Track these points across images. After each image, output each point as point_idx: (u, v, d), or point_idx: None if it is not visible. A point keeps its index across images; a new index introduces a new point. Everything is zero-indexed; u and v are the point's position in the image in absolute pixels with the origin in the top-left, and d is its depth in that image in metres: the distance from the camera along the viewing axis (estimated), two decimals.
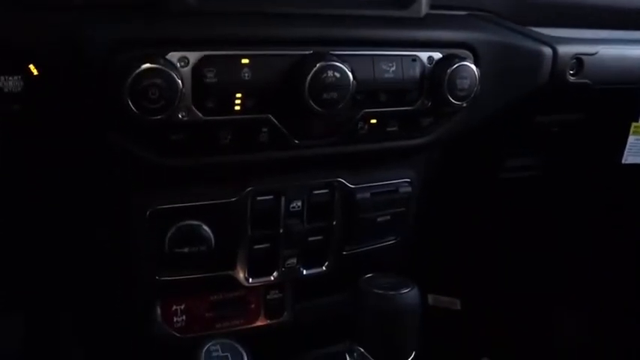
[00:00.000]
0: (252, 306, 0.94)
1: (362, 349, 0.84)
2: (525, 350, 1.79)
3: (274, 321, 0.96)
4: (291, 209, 0.88)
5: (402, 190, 0.96)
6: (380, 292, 0.82)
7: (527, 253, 1.79)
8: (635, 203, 1.53)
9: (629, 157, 1.43)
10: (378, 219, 0.94)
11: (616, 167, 1.40)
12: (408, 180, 0.97)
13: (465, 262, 1.87)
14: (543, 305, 1.86)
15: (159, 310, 0.91)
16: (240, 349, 0.81)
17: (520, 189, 1.52)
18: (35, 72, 0.67)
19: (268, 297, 0.95)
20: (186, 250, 0.83)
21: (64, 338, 1.12)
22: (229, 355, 0.80)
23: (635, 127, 1.40)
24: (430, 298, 1.95)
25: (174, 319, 0.91)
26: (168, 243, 0.83)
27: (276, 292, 0.95)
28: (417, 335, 0.86)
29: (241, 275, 0.90)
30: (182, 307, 0.91)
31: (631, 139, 1.41)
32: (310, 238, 0.91)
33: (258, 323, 0.96)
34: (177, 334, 0.91)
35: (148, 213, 0.82)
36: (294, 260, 0.91)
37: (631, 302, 1.67)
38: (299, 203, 0.88)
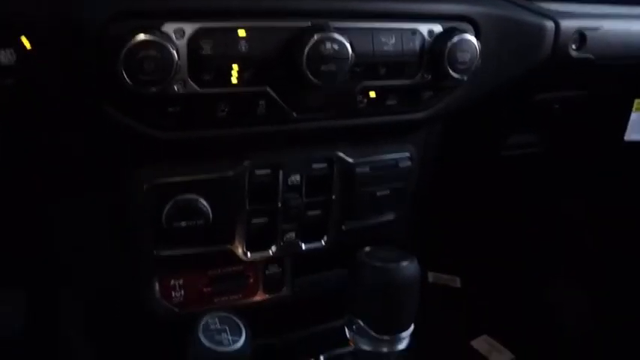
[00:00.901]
0: (251, 281, 0.94)
1: (361, 322, 0.84)
2: (524, 327, 1.79)
3: (273, 295, 0.96)
4: (290, 183, 0.87)
5: (401, 164, 0.95)
6: (379, 264, 0.82)
7: (527, 230, 1.79)
8: (636, 181, 1.52)
9: (631, 135, 1.42)
10: (378, 193, 0.94)
11: (618, 144, 1.39)
12: (408, 155, 0.96)
13: (465, 240, 1.87)
14: (543, 282, 1.86)
15: (157, 286, 0.91)
16: (238, 321, 0.81)
17: (521, 166, 1.51)
18: (28, 45, 0.67)
19: (267, 272, 0.95)
20: (183, 224, 0.83)
21: (65, 314, 1.12)
22: (227, 328, 0.80)
23: (638, 103, 1.39)
24: (430, 275, 1.95)
25: (173, 294, 0.91)
26: (165, 217, 0.82)
27: (275, 266, 0.95)
28: (415, 308, 0.86)
29: (240, 250, 0.89)
30: (180, 282, 0.91)
31: (633, 115, 1.40)
32: (309, 213, 0.90)
33: (257, 298, 0.95)
34: (176, 309, 0.91)
35: (145, 187, 0.81)
36: (293, 235, 0.91)
37: (630, 278, 1.67)
38: (297, 177, 0.88)
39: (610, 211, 1.67)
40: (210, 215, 0.83)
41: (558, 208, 1.76)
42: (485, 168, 1.49)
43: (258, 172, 0.85)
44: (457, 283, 1.95)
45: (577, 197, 1.69)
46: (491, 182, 1.60)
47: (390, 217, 0.98)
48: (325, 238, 0.94)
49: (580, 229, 1.75)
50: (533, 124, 1.37)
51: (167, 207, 0.82)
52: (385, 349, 0.86)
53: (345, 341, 0.99)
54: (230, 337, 0.79)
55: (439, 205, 1.52)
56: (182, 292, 0.91)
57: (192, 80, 0.72)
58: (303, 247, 0.93)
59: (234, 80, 0.74)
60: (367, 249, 0.86)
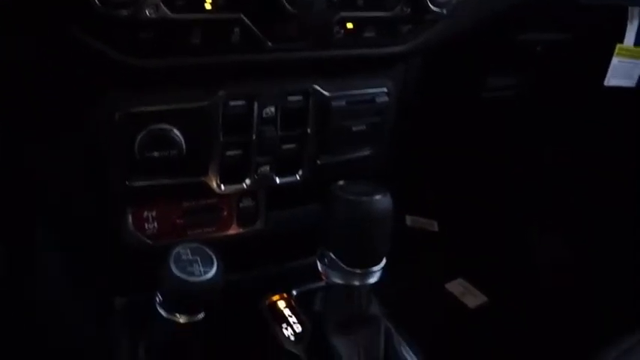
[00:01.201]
0: (225, 213, 0.93)
1: (332, 255, 0.84)
2: (500, 272, 1.82)
3: (247, 229, 0.96)
4: (264, 115, 0.86)
5: (378, 100, 0.94)
6: (352, 197, 0.82)
7: (505, 175, 1.80)
8: (614, 127, 1.53)
9: (611, 80, 1.42)
10: (353, 128, 0.93)
11: (598, 90, 1.39)
12: (386, 90, 0.95)
13: (444, 184, 1.88)
14: (520, 228, 1.88)
15: (130, 217, 0.90)
16: (210, 253, 0.81)
17: (502, 110, 1.51)
18: None
19: (241, 205, 0.94)
20: (156, 154, 0.82)
21: (40, 246, 1.12)
22: (199, 259, 0.80)
23: (620, 48, 1.38)
24: (408, 219, 1.97)
25: (146, 226, 0.90)
26: (138, 147, 0.81)
27: (249, 200, 0.95)
28: (388, 242, 0.86)
29: (213, 182, 0.88)
30: (153, 213, 0.90)
31: (614, 60, 1.39)
32: (284, 146, 0.90)
33: (231, 231, 0.95)
34: (149, 241, 0.91)
35: (117, 116, 0.80)
36: (267, 168, 0.90)
37: (607, 226, 1.69)
38: (272, 109, 0.86)
39: (589, 158, 1.68)
40: (184, 146, 0.82)
41: (538, 154, 1.77)
42: (465, 109, 1.48)
43: (233, 103, 0.84)
44: (435, 227, 1.97)
45: (557, 144, 1.70)
46: (471, 125, 1.60)
47: (366, 152, 0.98)
48: (300, 172, 0.93)
49: (556, 174, 1.76)
50: (514, 66, 1.36)
51: (140, 137, 0.81)
52: (357, 283, 0.86)
53: (317, 277, 0.99)
54: (202, 268, 0.79)
55: (418, 146, 1.52)
56: (155, 223, 0.91)
57: (164, 4, 0.70)
58: (278, 180, 0.92)
59: (207, 6, 0.73)
60: (341, 182, 0.86)
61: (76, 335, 1.09)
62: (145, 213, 0.90)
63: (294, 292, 0.99)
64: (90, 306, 1.06)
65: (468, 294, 1.80)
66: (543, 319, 1.64)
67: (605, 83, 1.38)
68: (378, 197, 0.82)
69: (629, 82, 1.42)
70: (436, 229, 1.97)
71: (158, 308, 0.83)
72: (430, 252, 1.90)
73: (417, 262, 1.82)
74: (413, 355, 0.93)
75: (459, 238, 1.92)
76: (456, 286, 1.82)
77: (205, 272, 0.79)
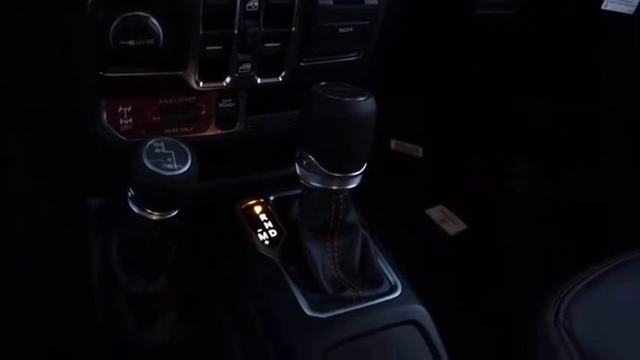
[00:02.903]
0: (203, 113, 0.90)
1: (311, 157, 0.82)
2: (481, 201, 1.82)
3: (225, 131, 0.93)
4: (248, 9, 0.82)
5: (368, 1, 0.90)
6: (334, 97, 0.79)
7: (490, 100, 1.78)
8: (609, 51, 1.50)
9: (609, 4, 1.38)
10: (340, 30, 0.89)
11: (595, 13, 1.35)
12: None
13: (428, 109, 1.85)
14: (500, 157, 1.87)
15: (104, 111, 0.86)
16: (185, 147, 0.78)
17: (494, 31, 1.47)
18: None
19: (220, 105, 0.91)
20: (131, 43, 0.78)
21: (11, 146, 1.09)
22: (173, 153, 0.77)
23: None
24: (393, 143, 1.95)
25: (121, 122, 0.87)
26: (112, 35, 0.77)
27: (229, 100, 0.91)
28: (369, 148, 0.84)
29: (192, 78, 0.85)
30: (129, 109, 0.87)
31: None
32: (266, 44, 0.86)
33: (209, 132, 0.92)
34: (123, 138, 0.87)
35: (89, 1, 0.75)
36: (249, 67, 0.87)
37: (583, 157, 1.68)
38: (256, 3, 0.82)
39: (576, 84, 1.65)
40: (161, 36, 0.78)
41: (528, 83, 1.74)
42: (457, 26, 1.44)
43: None
44: (419, 152, 1.95)
45: (543, 66, 1.67)
46: (462, 45, 1.57)
47: (351, 57, 0.94)
48: (282, 73, 0.90)
49: (546, 107, 1.74)
50: None
51: (114, 23, 0.76)
52: (335, 187, 0.84)
53: (295, 185, 0.97)
54: (175, 163, 0.77)
55: (405, 62, 1.48)
56: (130, 119, 0.87)
57: None
58: (259, 80, 0.89)
59: None
60: (323, 83, 0.83)
61: (49, 237, 1.07)
62: (120, 108, 0.86)
63: (271, 198, 0.97)
64: (63, 208, 1.04)
65: (448, 221, 1.79)
66: (520, 249, 1.64)
67: (603, 7, 1.35)
68: (361, 99, 0.80)
69: (626, 9, 1.38)
70: (421, 154, 1.95)
71: (130, 204, 0.81)
72: (412, 177, 1.89)
73: (399, 185, 1.81)
74: (389, 266, 0.92)
75: (443, 165, 1.91)
76: (436, 213, 1.82)
77: (179, 167, 0.76)
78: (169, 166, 0.76)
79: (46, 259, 1.05)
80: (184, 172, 0.76)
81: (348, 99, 0.79)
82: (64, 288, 1.01)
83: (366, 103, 0.80)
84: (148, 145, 0.77)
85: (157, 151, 0.77)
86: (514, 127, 1.81)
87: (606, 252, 1.11)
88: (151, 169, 0.75)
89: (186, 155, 0.77)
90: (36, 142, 1.04)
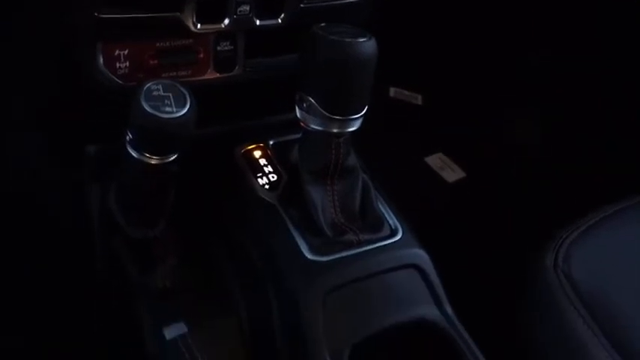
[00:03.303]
0: (201, 56, 0.88)
1: (312, 99, 0.81)
2: (479, 148, 1.81)
3: (224, 75, 0.91)
4: None
5: None
6: (335, 38, 0.77)
7: (489, 51, 1.76)
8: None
9: None
10: None
11: None
12: None
13: (429, 58, 1.83)
14: (498, 104, 1.86)
15: (100, 55, 0.85)
16: (183, 90, 0.77)
17: None
18: None
19: (219, 48, 0.89)
20: None
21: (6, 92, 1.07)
22: (171, 95, 0.76)
23: None
24: (392, 90, 1.93)
25: (117, 65, 0.85)
26: None
27: (227, 43, 0.89)
28: (369, 90, 0.82)
29: (189, 19, 0.83)
30: (125, 52, 0.85)
31: None
32: None
33: (207, 76, 0.90)
34: (120, 81, 0.86)
35: None
36: (247, 8, 0.85)
37: (578, 101, 1.67)
38: None
39: (567, 32, 1.63)
40: None
41: (520, 29, 1.72)
42: None
43: None
44: (419, 100, 1.94)
45: (538, 18, 1.65)
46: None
47: None
48: (282, 15, 0.88)
49: (538, 52, 1.72)
50: None
51: None
52: (335, 130, 0.83)
53: (295, 130, 0.96)
54: (174, 106, 0.76)
55: (407, 7, 1.46)
56: (127, 63, 0.85)
57: None
58: (258, 22, 0.87)
59: None
60: (323, 24, 0.82)
61: (46, 184, 1.06)
62: (117, 51, 0.84)
63: (271, 142, 0.96)
64: (61, 154, 1.03)
65: (446, 168, 1.79)
66: (519, 197, 1.64)
67: None
68: (362, 40, 0.78)
69: None
70: (420, 102, 1.93)
71: (128, 148, 0.80)
72: (411, 125, 1.88)
73: (398, 133, 1.80)
74: (389, 210, 0.91)
75: (442, 113, 1.90)
76: (435, 160, 1.81)
77: (177, 110, 0.75)
78: (168, 109, 0.75)
79: (46, 206, 1.04)
80: (183, 114, 0.75)
81: (349, 40, 0.78)
82: (64, 236, 1.01)
83: (367, 44, 0.78)
84: (145, 88, 0.75)
85: (154, 93, 0.75)
86: (514, 76, 1.79)
87: (605, 199, 1.11)
88: (149, 112, 0.74)
89: (185, 98, 0.76)
90: (33, 90, 1.03)
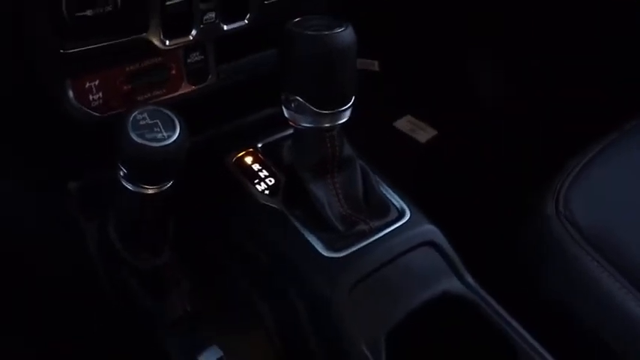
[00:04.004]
0: (173, 72, 0.85)
1: (299, 98, 0.79)
2: (444, 104, 1.81)
3: (199, 86, 0.88)
4: None
5: None
6: (313, 33, 0.76)
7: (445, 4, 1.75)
8: None
9: None
10: None
11: None
12: None
13: (380, 20, 1.81)
14: (460, 59, 1.86)
15: (71, 91, 0.81)
16: (170, 113, 0.74)
17: None
18: None
19: (189, 60, 0.86)
20: (89, 13, 0.73)
21: None
22: (159, 122, 0.73)
23: None
24: None
25: (90, 98, 0.82)
26: (66, 6, 0.71)
27: (197, 54, 0.87)
28: (354, 79, 0.81)
29: (157, 38, 0.80)
30: (96, 83, 0.82)
31: None
32: None
33: (182, 91, 0.87)
34: (96, 114, 0.82)
35: None
36: (213, 15, 0.82)
37: (541, 51, 1.68)
38: None
39: None
40: None
41: None
42: None
43: None
44: (375, 66, 1.92)
45: None
46: None
47: None
48: (248, 15, 0.86)
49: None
50: None
51: None
52: (327, 125, 0.82)
53: (279, 127, 0.95)
54: (164, 132, 0.73)
55: None
56: (100, 93, 0.82)
57: None
58: (225, 27, 0.85)
59: None
60: (295, 20, 0.80)
61: (32, 230, 1.02)
62: (87, 84, 0.81)
63: (259, 145, 0.94)
64: (44, 195, 0.99)
65: (417, 129, 1.79)
66: (494, 144, 1.65)
67: None
68: (340, 30, 0.77)
69: None
70: (377, 68, 1.92)
71: (123, 182, 0.77)
72: (373, 92, 1.86)
73: (362, 103, 1.79)
74: (391, 191, 0.91)
75: (402, 75, 1.89)
76: (404, 124, 1.81)
77: (169, 135, 0.73)
78: (159, 136, 0.72)
79: (38, 257, 1.00)
80: (176, 138, 0.72)
81: (327, 32, 0.76)
82: (63, 285, 0.97)
83: (346, 34, 0.77)
84: (131, 119, 0.72)
85: (142, 123, 0.73)
86: (468, 28, 1.78)
87: (588, 139, 1.12)
88: (141, 144, 0.71)
89: (173, 121, 0.74)
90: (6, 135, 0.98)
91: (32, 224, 1.00)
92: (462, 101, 1.78)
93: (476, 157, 1.62)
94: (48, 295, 0.96)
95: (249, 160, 0.92)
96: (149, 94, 0.86)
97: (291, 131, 0.94)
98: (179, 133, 0.73)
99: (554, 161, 1.08)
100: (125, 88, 0.84)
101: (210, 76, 0.90)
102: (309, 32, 0.76)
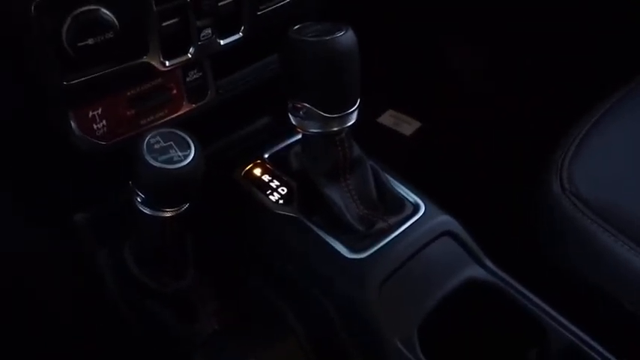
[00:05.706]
0: (174, 92, 0.85)
1: (308, 105, 0.79)
2: (426, 95, 1.82)
3: (199, 104, 0.88)
4: None
5: None
6: (315, 39, 0.76)
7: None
8: None
9: None
10: None
11: None
12: None
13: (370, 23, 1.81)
14: (437, 39, 1.86)
15: (74, 122, 0.80)
16: (182, 134, 0.74)
17: None
18: None
19: (188, 79, 0.86)
20: (90, 42, 0.72)
21: None
22: (173, 143, 0.73)
23: None
24: None
25: (94, 127, 0.81)
26: (66, 38, 0.71)
27: (195, 71, 0.87)
28: (359, 80, 0.82)
29: (156, 59, 0.80)
30: (99, 111, 0.81)
31: None
32: (220, 3, 0.81)
33: (184, 110, 0.87)
34: (102, 142, 0.82)
35: (32, 7, 0.68)
36: (209, 31, 0.82)
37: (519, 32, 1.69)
38: None
39: None
40: (117, 25, 0.72)
41: None
42: None
43: None
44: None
45: None
46: None
47: None
48: (242, 27, 0.86)
49: None
50: None
51: (65, 25, 0.70)
52: (335, 128, 0.82)
53: (281, 135, 0.95)
54: (179, 153, 0.73)
55: None
56: (104, 122, 0.82)
57: None
58: (222, 42, 0.84)
59: None
60: (295, 28, 0.80)
61: (45, 268, 1.01)
62: (90, 113, 0.81)
63: (266, 156, 0.94)
64: (51, 229, 0.97)
65: (401, 122, 1.80)
66: (479, 126, 1.66)
67: None
68: (341, 33, 0.77)
69: None
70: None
71: (140, 207, 0.77)
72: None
73: None
74: (402, 186, 0.92)
75: (379, 70, 1.89)
76: (388, 119, 1.82)
77: (185, 156, 0.72)
78: (175, 157, 0.72)
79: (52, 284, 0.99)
80: (193, 158, 0.72)
81: (329, 37, 0.76)
82: (83, 319, 0.96)
83: (347, 36, 0.77)
84: (145, 143, 0.72)
85: (156, 146, 0.72)
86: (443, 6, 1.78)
87: (581, 112, 1.13)
88: (159, 167, 0.71)
89: (187, 141, 0.73)
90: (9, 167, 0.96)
91: (39, 262, 0.99)
92: (442, 90, 1.79)
93: (465, 147, 1.64)
94: (70, 338, 0.95)
95: (257, 171, 0.92)
96: (152, 117, 0.85)
97: (295, 138, 0.94)
98: (195, 152, 0.73)
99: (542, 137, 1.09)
100: (128, 113, 0.83)
101: (209, 92, 0.89)
102: (311, 38, 0.76)
